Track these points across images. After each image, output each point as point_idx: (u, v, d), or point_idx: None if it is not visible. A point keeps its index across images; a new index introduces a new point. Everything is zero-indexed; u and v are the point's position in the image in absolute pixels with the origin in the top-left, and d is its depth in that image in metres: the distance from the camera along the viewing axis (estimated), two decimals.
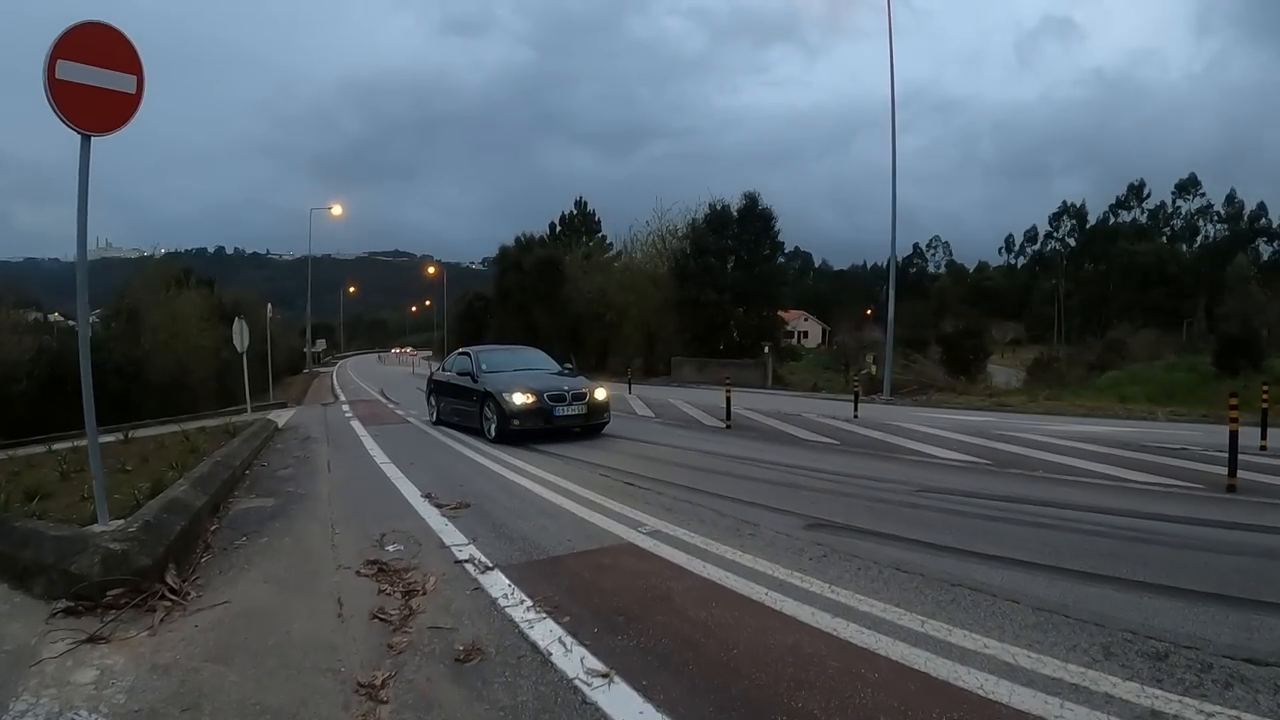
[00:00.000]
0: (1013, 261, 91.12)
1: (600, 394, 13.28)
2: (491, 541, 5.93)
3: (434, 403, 15.97)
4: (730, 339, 42.00)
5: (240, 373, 20.54)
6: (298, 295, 70.43)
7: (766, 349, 39.00)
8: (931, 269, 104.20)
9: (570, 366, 16.24)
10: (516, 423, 12.22)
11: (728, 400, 15.60)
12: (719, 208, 43.12)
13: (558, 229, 65.19)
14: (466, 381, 13.99)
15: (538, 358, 15.84)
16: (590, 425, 13.13)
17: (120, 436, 13.17)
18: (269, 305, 29.61)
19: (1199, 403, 24.50)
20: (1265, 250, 69.90)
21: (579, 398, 12.81)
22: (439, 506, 7.29)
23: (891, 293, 28.21)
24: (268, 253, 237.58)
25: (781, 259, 45.71)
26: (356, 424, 16.33)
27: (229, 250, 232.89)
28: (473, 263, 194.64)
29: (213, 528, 6.51)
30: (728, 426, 14.85)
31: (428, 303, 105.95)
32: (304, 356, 60.08)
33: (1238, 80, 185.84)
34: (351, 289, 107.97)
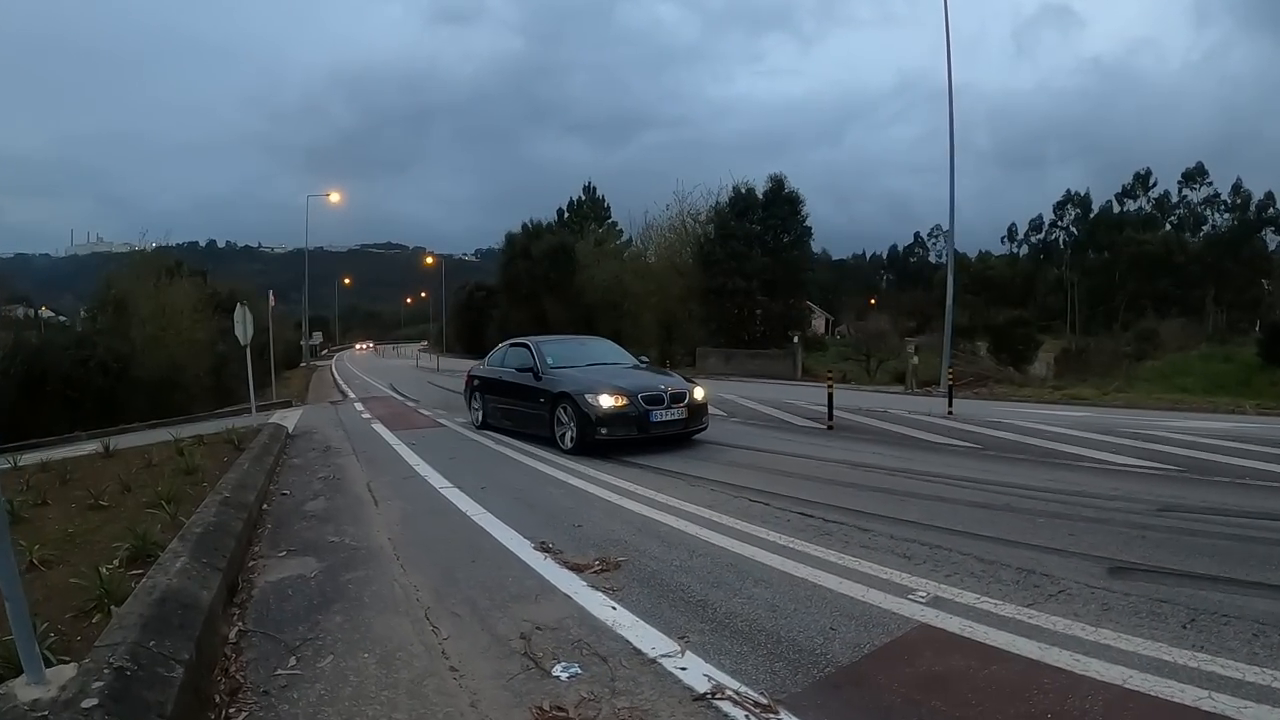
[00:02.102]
0: (1015, 251, 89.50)
1: (699, 393, 10.98)
2: (717, 642, 3.80)
3: (477, 403, 13.50)
4: (755, 329, 39.68)
5: (239, 368, 18.25)
6: (291, 288, 68.42)
7: (796, 339, 37.14)
8: (932, 259, 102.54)
9: (646, 360, 13.65)
10: (604, 431, 10.05)
11: (829, 397, 13.43)
12: (744, 190, 40.95)
13: (566, 215, 62.74)
14: (526, 379, 11.69)
15: (610, 349, 13.49)
16: (689, 432, 10.93)
17: (99, 447, 10.80)
18: (270, 294, 27.00)
19: (1255, 394, 24.03)
20: (1272, 240, 68.85)
21: (678, 399, 10.56)
22: (574, 568, 5.06)
23: (950, 283, 26.53)
24: (259, 245, 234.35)
25: (810, 243, 43.10)
26: (381, 428, 13.96)
27: (220, 244, 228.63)
28: (465, 254, 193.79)
29: (233, 633, 3.96)
30: (830, 427, 12.75)
31: (423, 294, 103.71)
32: (300, 350, 57.64)
33: (1236, 70, 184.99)
34: (347, 280, 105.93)
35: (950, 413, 14.66)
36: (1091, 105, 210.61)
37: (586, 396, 10.18)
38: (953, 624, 3.95)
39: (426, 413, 16.96)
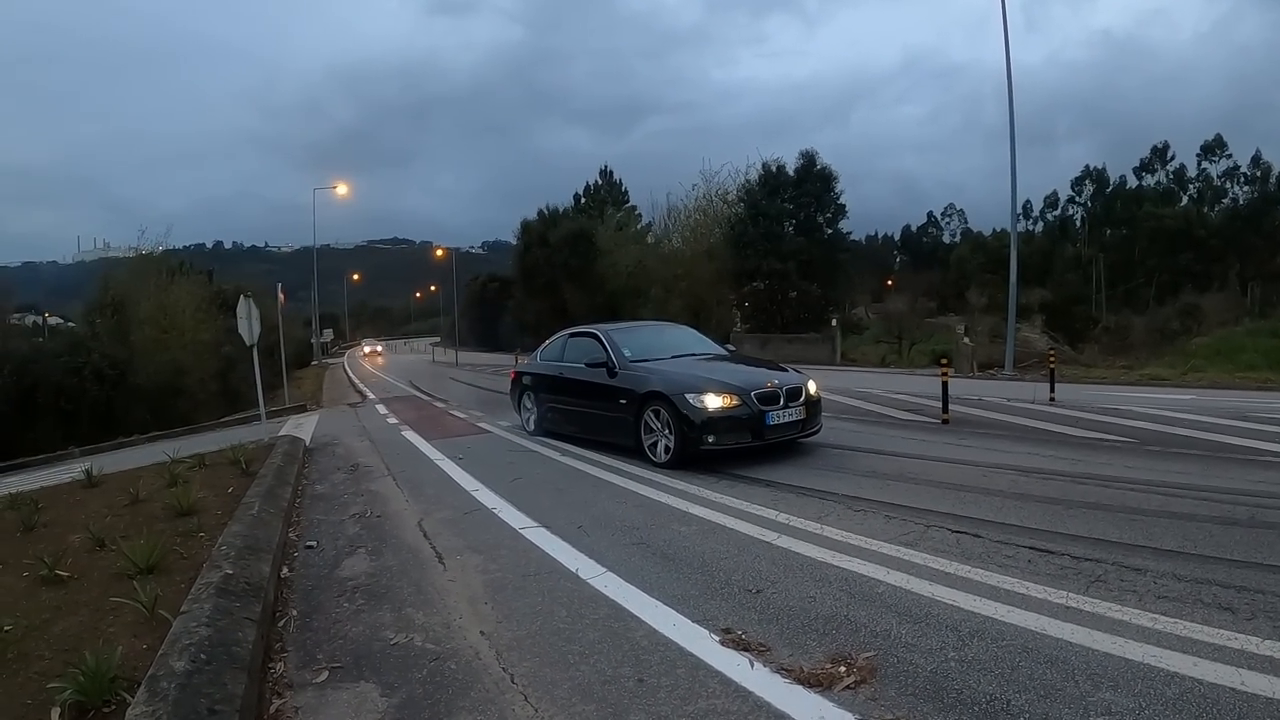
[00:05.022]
0: (1031, 228, 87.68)
1: (813, 388, 9.07)
2: None
3: (530, 405, 11.50)
4: (790, 313, 37.83)
5: (246, 370, 16.32)
6: (299, 286, 66.96)
7: (835, 322, 35.69)
8: (946, 239, 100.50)
9: (732, 348, 11.60)
10: (711, 439, 8.07)
11: (944, 387, 11.54)
12: (774, 168, 39.00)
13: (583, 200, 60.50)
14: (598, 376, 9.70)
15: (693, 337, 11.32)
16: (806, 435, 9.01)
17: (82, 473, 8.88)
18: (280, 288, 25.08)
19: None
20: None
21: (794, 396, 8.64)
22: (807, 682, 3.22)
23: (1013, 261, 26.01)
24: (265, 245, 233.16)
25: (844, 222, 41.12)
26: (414, 436, 11.96)
27: (226, 245, 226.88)
28: (473, 247, 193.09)
29: None
30: (945, 421, 11.00)
31: (433, 288, 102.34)
32: (311, 348, 56.09)
33: (1248, 40, 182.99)
34: (355, 276, 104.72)
35: (1053, 399, 13.50)
36: (1102, 78, 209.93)
37: (688, 397, 8.23)
38: None
39: (461, 415, 14.94)
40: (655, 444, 8.53)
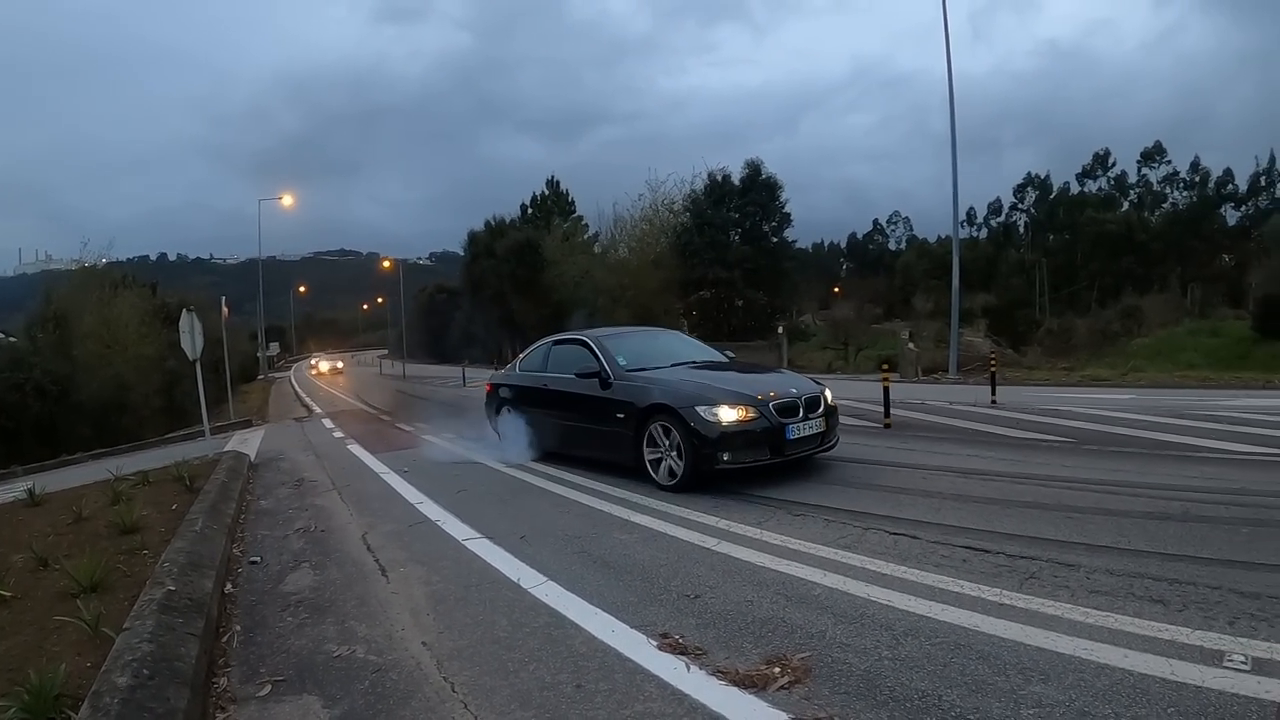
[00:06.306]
0: (975, 234, 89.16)
1: (829, 395, 8.36)
2: None
3: (511, 421, 10.35)
4: (736, 320, 38.21)
5: (192, 385, 16.04)
6: (245, 299, 66.05)
7: (781, 329, 36.05)
8: (892, 246, 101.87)
9: (731, 354, 10.80)
10: (726, 457, 7.22)
11: (886, 392, 11.75)
12: (720, 178, 39.66)
13: (529, 210, 60.51)
14: (589, 388, 8.75)
15: (689, 343, 10.63)
16: (824, 449, 8.25)
17: (24, 492, 8.73)
18: (224, 301, 24.82)
19: (1261, 368, 24.19)
20: (1231, 216, 68.81)
21: (813, 406, 7.86)
22: (742, 683, 3.35)
23: (956, 266, 26.67)
24: (211, 257, 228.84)
25: (790, 230, 41.63)
26: (360, 450, 11.96)
27: (171, 257, 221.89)
28: (420, 258, 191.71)
29: None
30: (887, 426, 11.25)
31: (380, 300, 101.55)
32: (257, 362, 55.32)
33: (1192, 50, 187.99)
34: (302, 288, 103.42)
35: (994, 401, 13.83)
36: (1048, 87, 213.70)
37: (699, 409, 7.36)
38: None
39: (408, 428, 14.88)
40: (658, 462, 7.68)
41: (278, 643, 4.10)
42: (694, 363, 9.22)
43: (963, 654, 3.46)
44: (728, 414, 7.28)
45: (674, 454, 7.49)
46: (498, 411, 10.75)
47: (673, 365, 8.92)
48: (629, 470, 8.09)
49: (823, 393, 8.15)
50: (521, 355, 11.03)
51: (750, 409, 7.38)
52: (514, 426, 10.14)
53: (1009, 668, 3.30)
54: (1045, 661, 3.33)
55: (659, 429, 7.66)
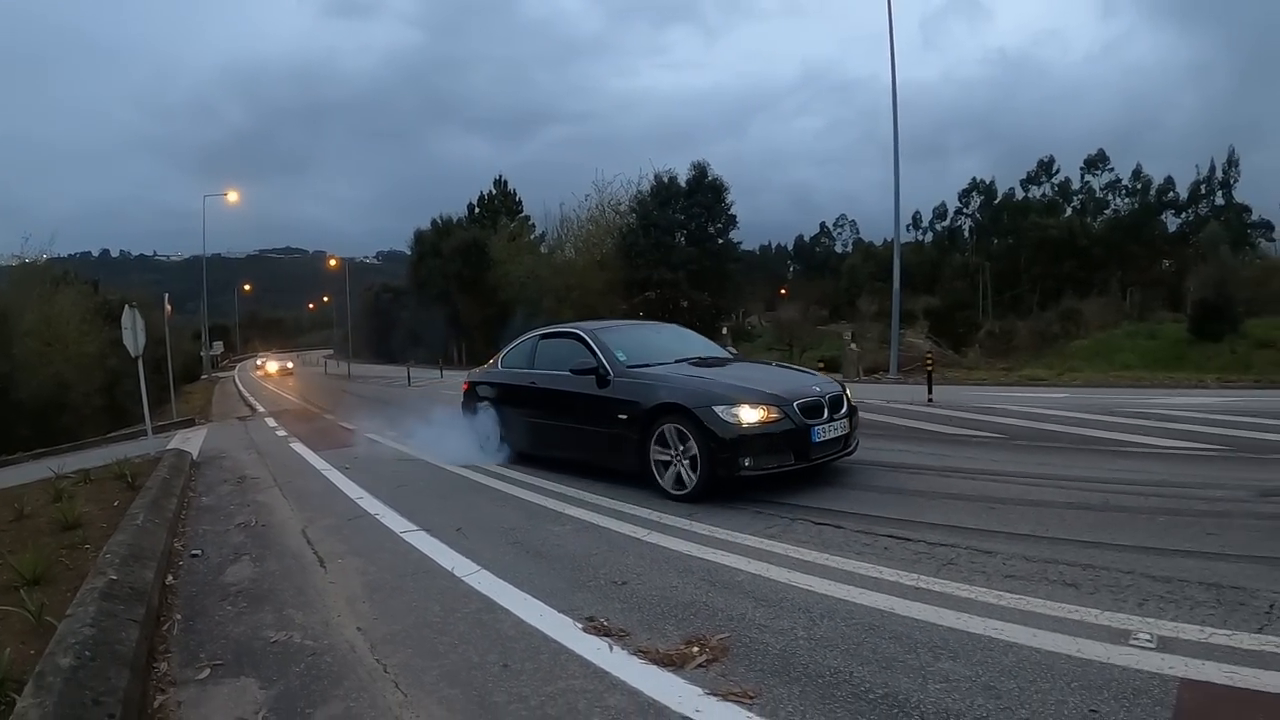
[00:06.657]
0: (920, 238, 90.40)
1: (850, 395, 7.77)
2: None
3: (490, 422, 9.63)
4: (683, 321, 38.57)
5: (133, 385, 15.88)
6: (189, 298, 65.12)
7: (725, 330, 36.63)
8: (838, 249, 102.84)
9: (735, 351, 10.58)
10: (748, 462, 6.53)
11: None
12: (666, 179, 39.81)
13: (476, 210, 60.46)
14: (585, 386, 7.97)
15: (693, 338, 9.71)
16: (847, 453, 7.51)
17: None
18: (167, 298, 24.53)
19: (1194, 368, 25.34)
20: (1172, 223, 70.39)
21: (836, 407, 7.19)
22: (662, 662, 3.54)
23: (896, 268, 27.68)
24: (154, 254, 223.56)
25: (736, 231, 41.98)
26: (302, 448, 11.99)
27: (114, 253, 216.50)
28: (367, 257, 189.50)
29: None
30: None
31: (326, 299, 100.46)
32: (200, 361, 54.52)
33: (1139, 60, 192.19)
34: (247, 287, 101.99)
35: (931, 400, 14.19)
36: (996, 95, 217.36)
37: (717, 409, 6.65)
38: (1210, 671, 3.12)
39: (350, 426, 14.85)
40: (666, 468, 6.97)
41: (217, 630, 4.24)
42: (699, 358, 8.53)
43: (876, 634, 3.64)
44: (749, 415, 6.64)
45: (685, 461, 6.81)
46: (477, 412, 9.92)
47: (677, 361, 8.23)
48: (630, 478, 7.41)
49: (845, 391, 7.60)
50: (503, 351, 10.16)
51: (774, 409, 6.73)
52: (496, 429, 9.53)
53: (919, 646, 3.47)
54: (955, 641, 3.51)
55: (671, 431, 6.94)
